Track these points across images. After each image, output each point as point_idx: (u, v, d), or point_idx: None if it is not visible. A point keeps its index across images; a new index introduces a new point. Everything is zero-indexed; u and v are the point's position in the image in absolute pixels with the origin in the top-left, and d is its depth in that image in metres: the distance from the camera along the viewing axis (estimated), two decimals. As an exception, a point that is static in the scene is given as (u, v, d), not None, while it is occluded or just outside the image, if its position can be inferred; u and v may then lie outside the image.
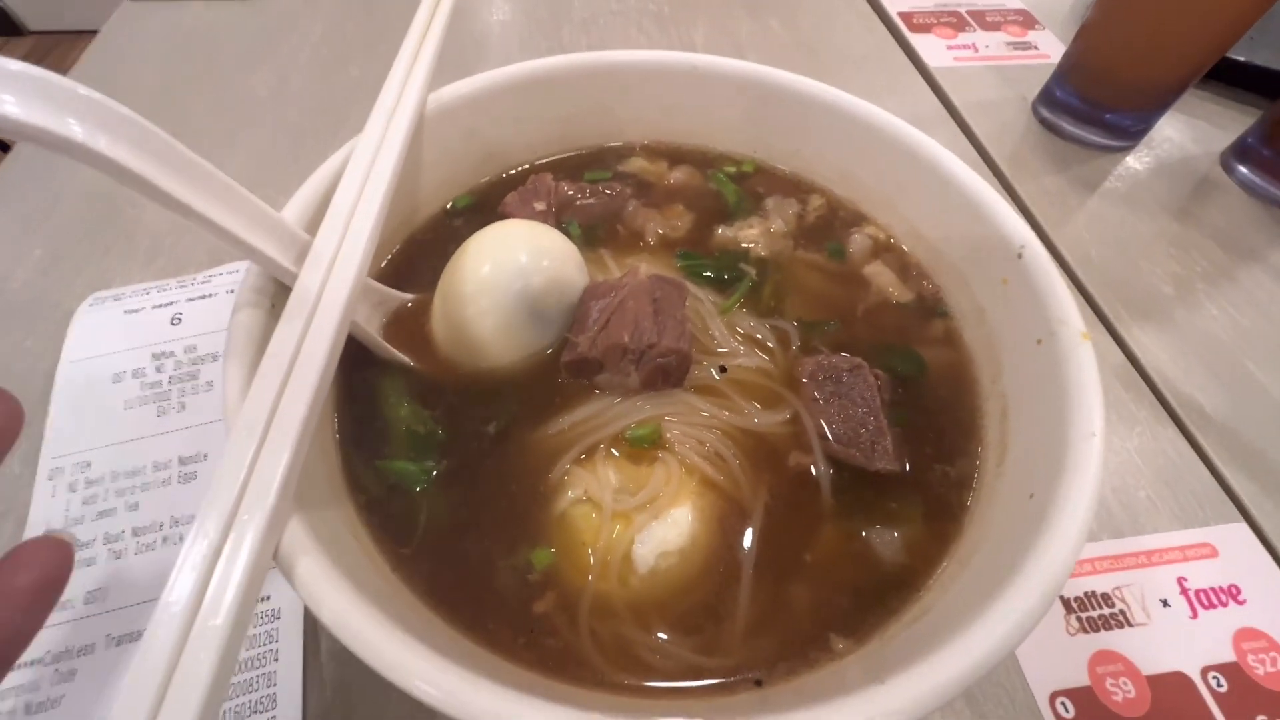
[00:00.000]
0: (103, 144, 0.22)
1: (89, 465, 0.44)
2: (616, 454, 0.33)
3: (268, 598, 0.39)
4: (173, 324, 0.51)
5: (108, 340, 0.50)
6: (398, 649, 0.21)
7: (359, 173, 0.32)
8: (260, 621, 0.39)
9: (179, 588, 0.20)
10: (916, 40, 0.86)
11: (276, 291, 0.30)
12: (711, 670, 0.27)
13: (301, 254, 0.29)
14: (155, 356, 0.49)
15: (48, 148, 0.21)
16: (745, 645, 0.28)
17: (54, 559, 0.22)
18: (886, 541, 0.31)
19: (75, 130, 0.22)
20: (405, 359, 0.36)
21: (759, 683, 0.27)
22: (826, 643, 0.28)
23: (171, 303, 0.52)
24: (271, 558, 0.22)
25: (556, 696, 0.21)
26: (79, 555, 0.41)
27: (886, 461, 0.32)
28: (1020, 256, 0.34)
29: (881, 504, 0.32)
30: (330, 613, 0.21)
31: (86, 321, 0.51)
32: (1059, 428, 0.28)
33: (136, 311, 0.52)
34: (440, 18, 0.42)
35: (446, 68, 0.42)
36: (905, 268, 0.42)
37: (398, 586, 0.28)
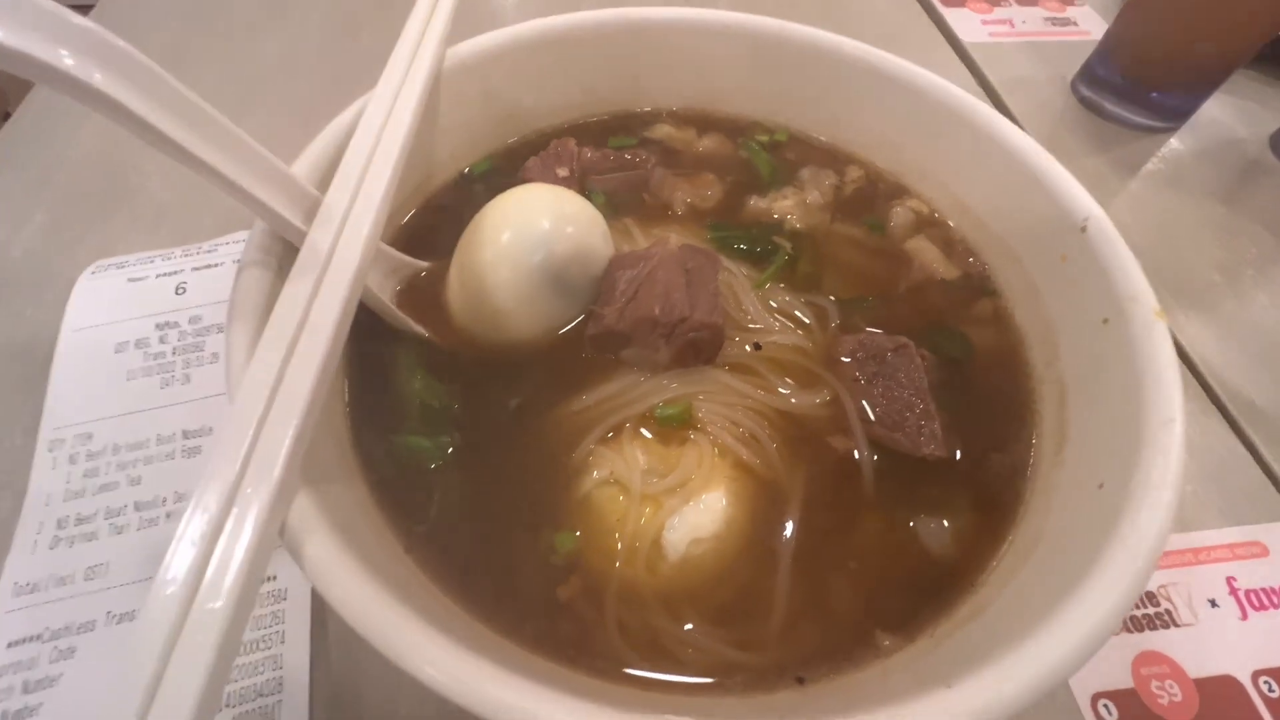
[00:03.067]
0: (97, 79, 0.20)
1: (91, 437, 0.43)
2: (645, 434, 0.31)
3: (274, 577, 0.38)
4: (177, 293, 0.49)
5: (110, 309, 0.48)
6: (408, 633, 0.19)
7: (373, 128, 0.30)
8: (266, 602, 0.37)
9: (176, 566, 0.18)
10: (950, 14, 0.82)
11: (284, 252, 0.28)
12: (748, 666, 0.25)
13: (311, 212, 0.27)
14: (159, 326, 0.47)
15: (35, 79, 0.19)
16: (784, 640, 0.26)
17: None
18: (935, 532, 0.28)
19: (66, 61, 0.20)
20: (420, 329, 0.34)
21: (801, 680, 0.25)
22: (872, 639, 0.26)
23: (176, 271, 0.50)
24: (278, 536, 0.20)
25: (577, 689, 0.20)
26: (79, 530, 0.39)
27: (935, 446, 0.30)
28: (1084, 230, 0.31)
29: (929, 492, 0.30)
30: (340, 596, 0.20)
31: (89, 290, 0.49)
32: (1132, 413, 0.25)
33: (140, 280, 0.50)
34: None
35: (460, 31, 0.40)
36: (950, 243, 0.39)
37: (411, 569, 0.26)
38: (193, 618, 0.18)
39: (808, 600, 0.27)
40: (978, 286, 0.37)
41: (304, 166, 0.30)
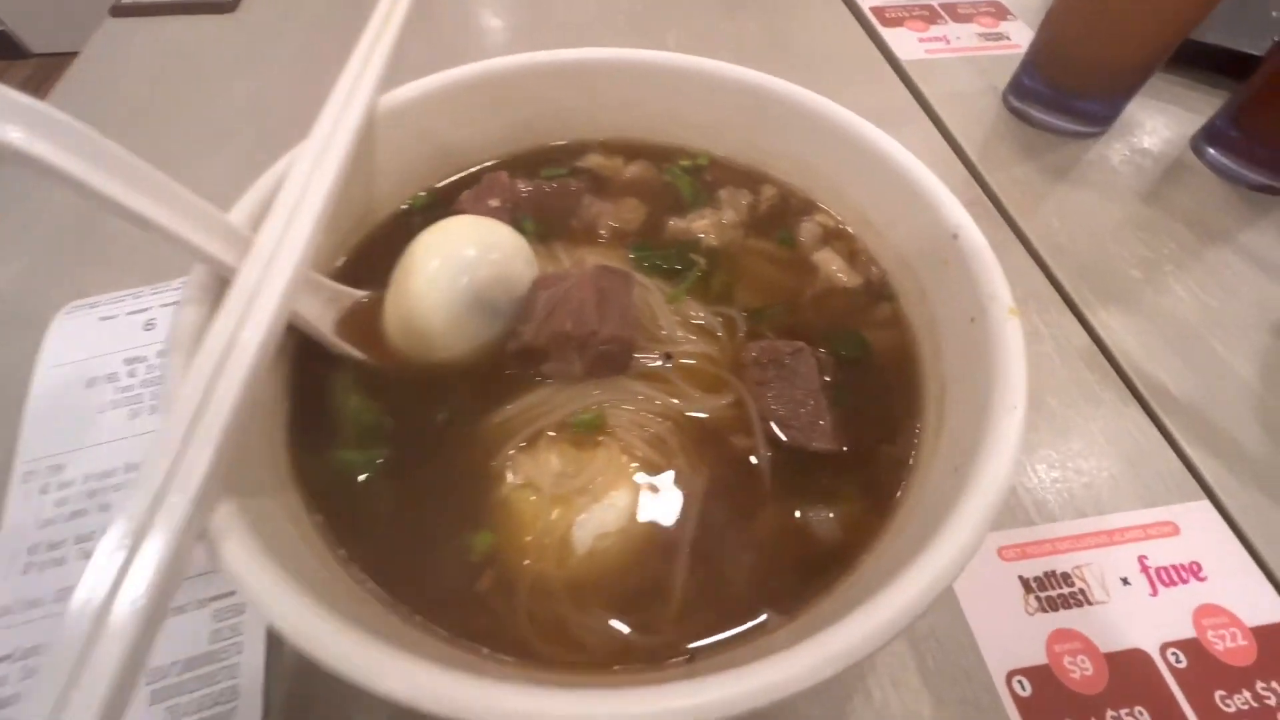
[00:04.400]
0: (42, 149, 0.24)
1: (62, 468, 0.45)
2: (560, 440, 0.33)
3: (234, 592, 0.40)
4: (146, 329, 0.52)
5: (83, 347, 0.51)
6: (316, 623, 0.21)
7: (301, 174, 0.33)
8: (225, 615, 0.39)
9: (96, 568, 0.21)
10: (889, 34, 0.87)
11: (220, 289, 0.30)
12: (644, 648, 0.28)
13: (244, 252, 0.30)
14: (128, 361, 0.50)
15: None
16: (679, 623, 0.28)
17: None
18: (822, 520, 0.31)
19: (14, 136, 0.23)
20: (356, 352, 0.36)
21: (690, 658, 0.27)
22: (759, 618, 0.28)
23: (146, 309, 0.54)
24: (197, 539, 0.23)
25: (489, 674, 0.22)
26: (51, 555, 0.42)
27: (825, 441, 0.33)
28: (956, 237, 0.34)
29: (820, 483, 0.32)
30: (253, 590, 0.22)
31: (63, 329, 0.52)
32: (985, 402, 0.28)
33: (111, 318, 0.53)
34: (395, 20, 0.43)
35: (420, 72, 0.43)
36: (854, 254, 0.42)
37: (337, 572, 0.29)
38: (113, 619, 0.20)
39: (703, 587, 0.29)
40: (878, 292, 0.40)
41: (241, 212, 0.33)
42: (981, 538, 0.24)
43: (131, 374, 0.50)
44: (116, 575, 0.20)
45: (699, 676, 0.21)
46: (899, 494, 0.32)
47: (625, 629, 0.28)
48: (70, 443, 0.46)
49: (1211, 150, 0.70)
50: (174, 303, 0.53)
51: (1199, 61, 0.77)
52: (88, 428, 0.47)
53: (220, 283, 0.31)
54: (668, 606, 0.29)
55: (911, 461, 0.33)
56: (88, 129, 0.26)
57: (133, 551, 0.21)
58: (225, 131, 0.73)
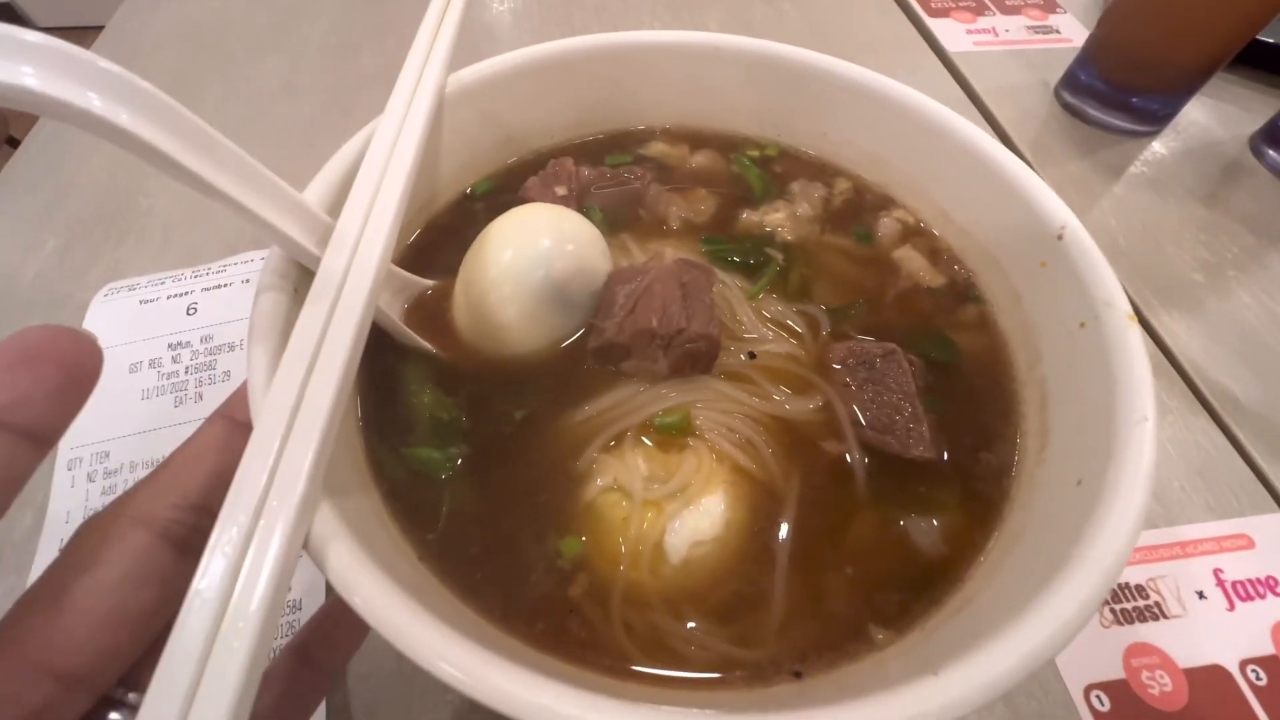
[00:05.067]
0: (124, 118, 0.22)
1: (108, 455, 0.44)
2: (646, 442, 0.32)
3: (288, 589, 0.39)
4: (188, 314, 0.51)
5: (123, 331, 0.50)
6: (425, 633, 0.20)
7: (381, 154, 0.32)
8: (282, 613, 0.38)
9: (210, 574, 0.19)
10: (935, 24, 0.84)
11: (299, 275, 0.29)
12: (747, 662, 0.26)
13: (324, 237, 0.29)
14: (171, 346, 0.49)
15: (68, 121, 0.21)
16: (782, 636, 0.27)
17: (74, 350, 0.20)
18: (925, 530, 0.30)
19: (95, 104, 0.21)
20: (428, 345, 0.35)
21: (798, 674, 0.26)
22: (866, 634, 0.27)
23: (187, 292, 0.52)
24: (302, 546, 0.21)
25: (586, 685, 0.21)
26: (98, 546, 0.41)
27: (924, 448, 0.31)
28: (1060, 238, 0.33)
29: (919, 492, 0.31)
30: (362, 600, 0.21)
31: (102, 312, 0.51)
32: (1107, 413, 0.27)
33: (152, 301, 0.51)
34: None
35: (458, 55, 0.41)
36: (935, 252, 0.40)
37: (425, 575, 0.27)
38: (227, 623, 0.19)
39: (804, 598, 0.28)
40: (963, 293, 0.39)
41: (316, 192, 0.31)
42: (1124, 562, 0.22)
43: (175, 359, 0.48)
44: (229, 588, 0.19)
45: (813, 704, 0.20)
46: (1004, 505, 0.30)
47: (726, 643, 0.27)
48: (115, 430, 0.45)
49: (1271, 152, 0.68)
50: (217, 286, 0.52)
51: (1258, 61, 0.75)
52: (132, 414, 0.46)
53: (297, 268, 0.29)
54: (769, 618, 0.28)
55: (1014, 471, 0.31)
56: (169, 99, 0.24)
57: (238, 565, 0.20)
58: (253, 113, 0.71)
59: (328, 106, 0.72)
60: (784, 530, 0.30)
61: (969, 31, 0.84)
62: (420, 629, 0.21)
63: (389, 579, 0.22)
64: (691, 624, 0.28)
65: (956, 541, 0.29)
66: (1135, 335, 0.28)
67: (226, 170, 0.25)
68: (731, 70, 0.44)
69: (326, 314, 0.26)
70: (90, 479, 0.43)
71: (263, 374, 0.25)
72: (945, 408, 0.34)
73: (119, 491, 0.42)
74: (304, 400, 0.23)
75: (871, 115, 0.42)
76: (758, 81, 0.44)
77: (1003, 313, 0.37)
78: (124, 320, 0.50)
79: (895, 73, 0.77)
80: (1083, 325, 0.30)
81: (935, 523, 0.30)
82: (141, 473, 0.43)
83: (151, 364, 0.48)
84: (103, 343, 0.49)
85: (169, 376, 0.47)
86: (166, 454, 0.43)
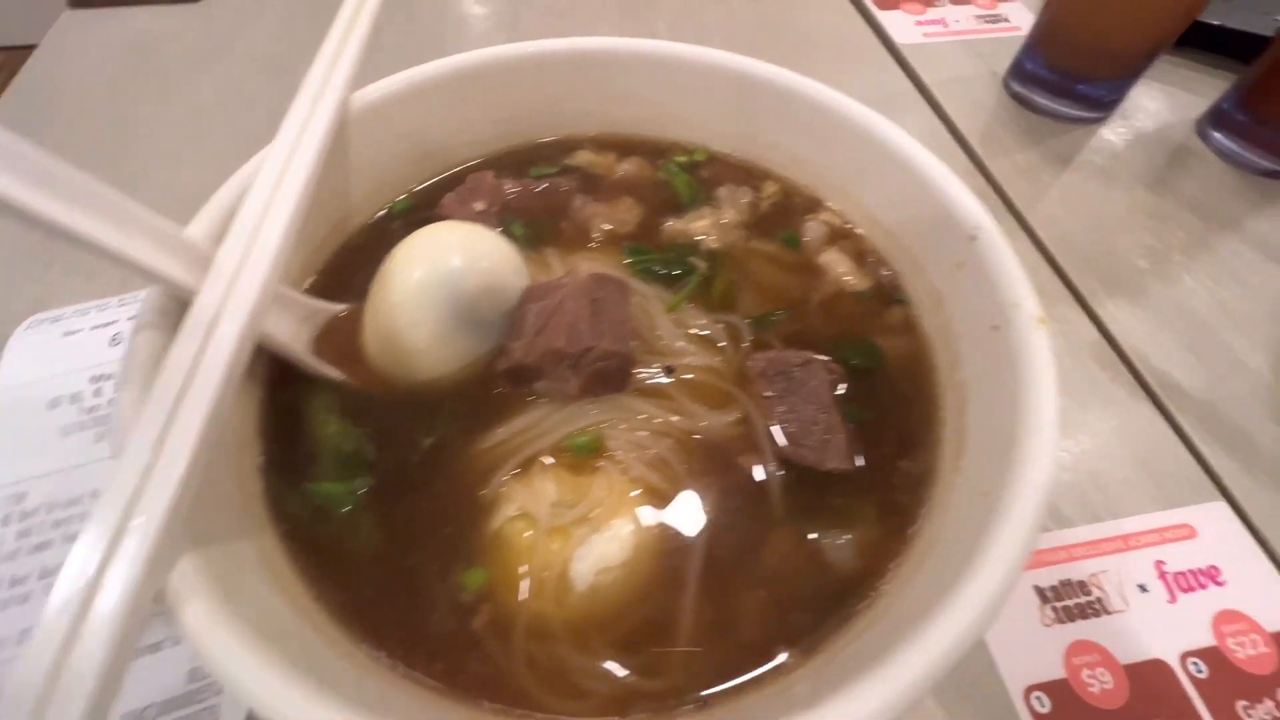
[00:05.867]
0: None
1: (24, 497, 0.42)
2: (556, 465, 0.31)
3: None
4: (112, 344, 0.49)
5: (44, 364, 0.48)
6: (292, 699, 0.19)
7: (268, 183, 0.31)
8: (205, 696, 0.36)
9: (43, 634, 0.18)
10: (884, 17, 0.84)
11: (181, 313, 0.28)
12: (651, 693, 0.26)
13: (205, 271, 0.27)
14: (94, 380, 0.47)
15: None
16: (688, 664, 0.26)
17: None
18: (838, 545, 0.29)
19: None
20: (335, 374, 0.34)
21: (701, 704, 0.25)
22: (774, 657, 0.26)
23: (111, 322, 0.50)
24: (152, 602, 0.20)
25: None
26: (14, 591, 0.39)
27: (838, 460, 0.31)
28: (974, 239, 0.32)
29: (835, 505, 0.30)
30: (219, 661, 0.20)
31: (22, 345, 0.49)
32: (1011, 420, 0.26)
33: (75, 333, 0.50)
34: (368, 9, 0.40)
35: (396, 64, 0.40)
36: (862, 254, 0.40)
37: (318, 619, 0.26)
38: (60, 692, 0.18)
39: (713, 622, 0.27)
40: (888, 295, 0.38)
41: (201, 225, 0.30)
42: (1016, 577, 0.22)
43: (97, 393, 0.47)
44: (66, 643, 0.18)
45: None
46: (920, 516, 0.30)
47: (631, 673, 0.26)
48: (32, 469, 0.44)
49: (1217, 134, 0.68)
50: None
51: (1204, 43, 0.75)
52: (50, 452, 0.44)
53: (180, 305, 0.28)
54: (676, 646, 0.27)
55: (932, 480, 0.31)
56: (11, 136, 0.23)
57: (82, 619, 0.19)
58: (192, 130, 0.69)
59: (268, 123, 0.70)
60: (695, 552, 0.29)
61: (919, 23, 0.84)
62: (282, 695, 0.20)
63: (258, 638, 0.21)
64: (596, 655, 0.27)
65: (871, 555, 0.29)
66: (1041, 339, 0.28)
67: (90, 212, 0.24)
68: (656, 76, 0.43)
69: (197, 349, 0.25)
70: (4, 522, 0.41)
71: (131, 415, 0.24)
72: (866, 416, 0.33)
73: (35, 535, 0.42)
74: (167, 441, 0.22)
75: (797, 118, 0.41)
76: (683, 87, 0.43)
77: (926, 315, 0.36)
78: (45, 354, 0.49)
79: (845, 68, 0.76)
80: (995, 328, 0.30)
81: (849, 537, 0.29)
82: (61, 513, 0.42)
83: (72, 399, 0.46)
84: (21, 379, 0.47)
85: (90, 411, 0.46)
86: (85, 493, 0.43)
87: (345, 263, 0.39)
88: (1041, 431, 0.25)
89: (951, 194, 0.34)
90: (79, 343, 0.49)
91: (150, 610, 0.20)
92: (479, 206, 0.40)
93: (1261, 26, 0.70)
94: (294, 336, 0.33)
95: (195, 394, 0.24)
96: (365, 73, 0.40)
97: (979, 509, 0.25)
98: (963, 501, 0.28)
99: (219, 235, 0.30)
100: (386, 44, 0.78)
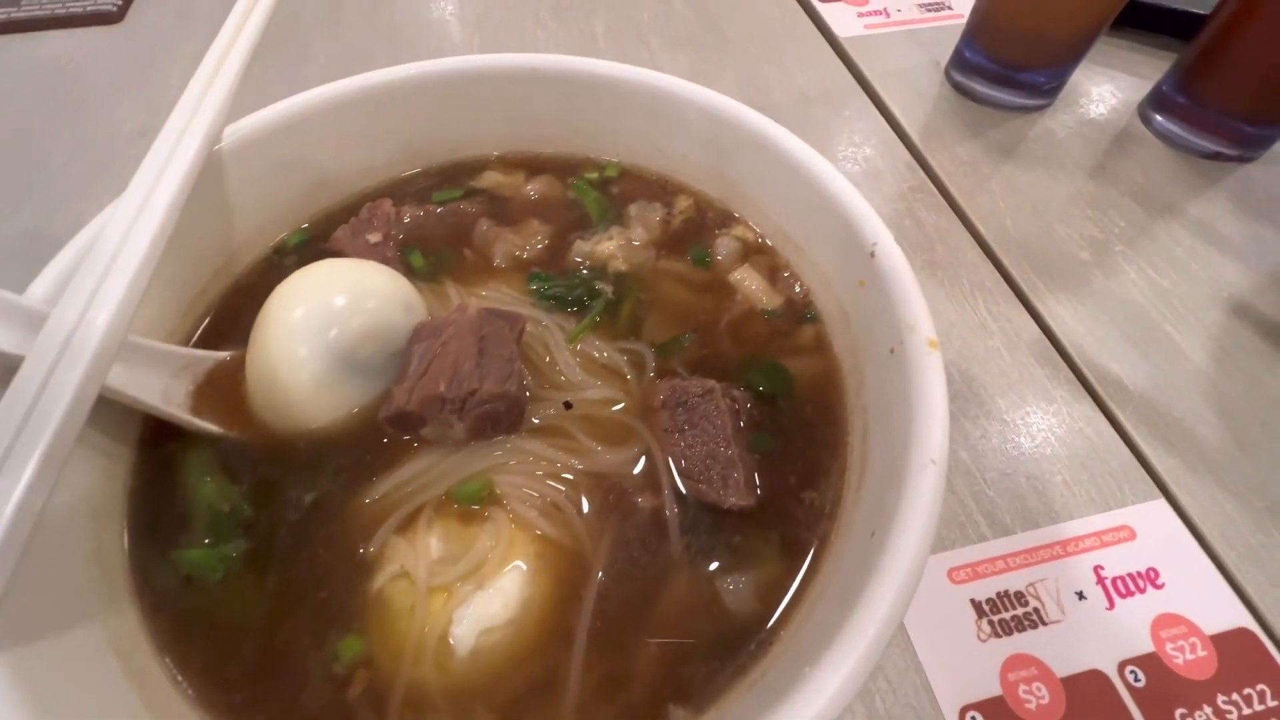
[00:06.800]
0: None
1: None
2: (442, 516, 0.30)
3: None
4: None
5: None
6: None
7: (116, 234, 0.28)
8: None
9: None
10: (825, 10, 0.82)
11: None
12: (533, 763, 0.24)
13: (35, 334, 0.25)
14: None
15: None
16: (575, 727, 0.25)
17: None
18: (737, 588, 0.28)
19: None
20: (213, 428, 0.32)
21: (584, 774, 0.24)
22: (664, 716, 0.25)
23: None
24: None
25: None
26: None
27: (738, 496, 0.29)
28: (873, 255, 0.31)
29: (735, 544, 0.29)
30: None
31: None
32: (902, 452, 0.25)
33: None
34: (249, 29, 0.38)
35: (328, 75, 0.39)
36: (775, 270, 0.38)
37: (175, 700, 0.25)
38: None
39: (602, 681, 0.26)
40: (800, 313, 0.37)
41: (44, 285, 0.28)
42: (894, 626, 0.21)
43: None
44: None
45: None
46: (821, 551, 0.28)
47: (513, 741, 0.25)
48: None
49: (1159, 118, 0.67)
50: None
51: (1146, 23, 0.74)
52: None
53: (11, 373, 0.26)
54: (561, 710, 0.25)
55: (835, 513, 0.30)
56: None
57: None
58: (110, 158, 0.67)
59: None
60: (585, 605, 0.28)
61: (860, 15, 0.82)
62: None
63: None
64: (479, 723, 0.25)
65: (768, 597, 0.28)
66: (934, 365, 0.26)
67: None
68: (557, 92, 0.42)
69: (17, 424, 0.23)
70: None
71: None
72: (773, 444, 0.32)
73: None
74: (-29, 540, 0.20)
75: (701, 129, 0.40)
76: (585, 101, 0.42)
77: (836, 334, 0.35)
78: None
79: (785, 63, 0.74)
80: (892, 351, 0.29)
81: (748, 578, 0.28)
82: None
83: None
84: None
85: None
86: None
87: (234, 305, 0.37)
88: (927, 468, 0.23)
89: (852, 207, 0.32)
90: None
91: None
92: (373, 239, 0.38)
93: (1198, 4, 0.69)
94: (164, 393, 0.32)
95: (9, 470, 0.22)
96: (285, 86, 0.38)
97: (866, 549, 0.24)
98: (856, 539, 0.27)
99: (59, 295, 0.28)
100: (316, 55, 0.75)
